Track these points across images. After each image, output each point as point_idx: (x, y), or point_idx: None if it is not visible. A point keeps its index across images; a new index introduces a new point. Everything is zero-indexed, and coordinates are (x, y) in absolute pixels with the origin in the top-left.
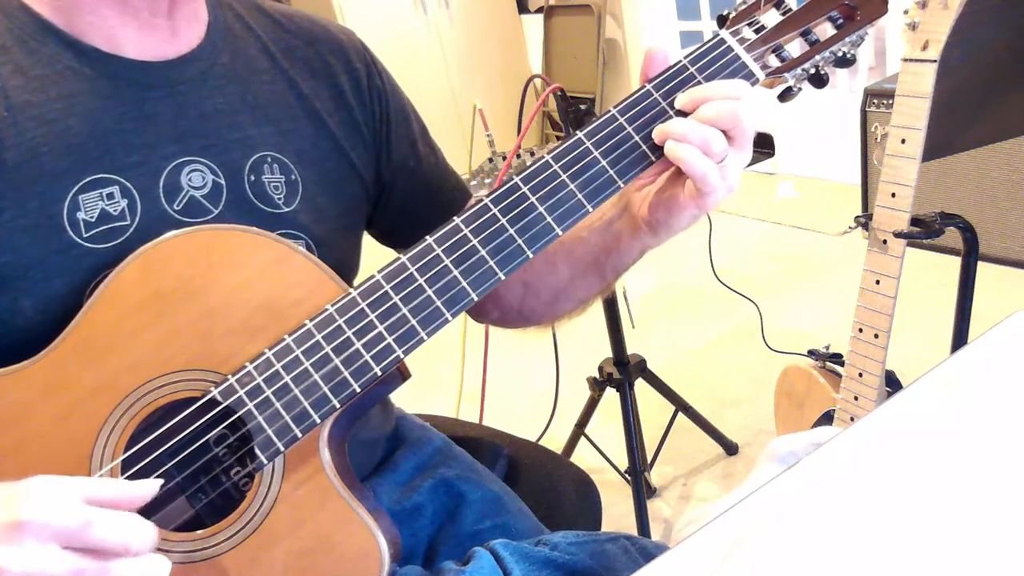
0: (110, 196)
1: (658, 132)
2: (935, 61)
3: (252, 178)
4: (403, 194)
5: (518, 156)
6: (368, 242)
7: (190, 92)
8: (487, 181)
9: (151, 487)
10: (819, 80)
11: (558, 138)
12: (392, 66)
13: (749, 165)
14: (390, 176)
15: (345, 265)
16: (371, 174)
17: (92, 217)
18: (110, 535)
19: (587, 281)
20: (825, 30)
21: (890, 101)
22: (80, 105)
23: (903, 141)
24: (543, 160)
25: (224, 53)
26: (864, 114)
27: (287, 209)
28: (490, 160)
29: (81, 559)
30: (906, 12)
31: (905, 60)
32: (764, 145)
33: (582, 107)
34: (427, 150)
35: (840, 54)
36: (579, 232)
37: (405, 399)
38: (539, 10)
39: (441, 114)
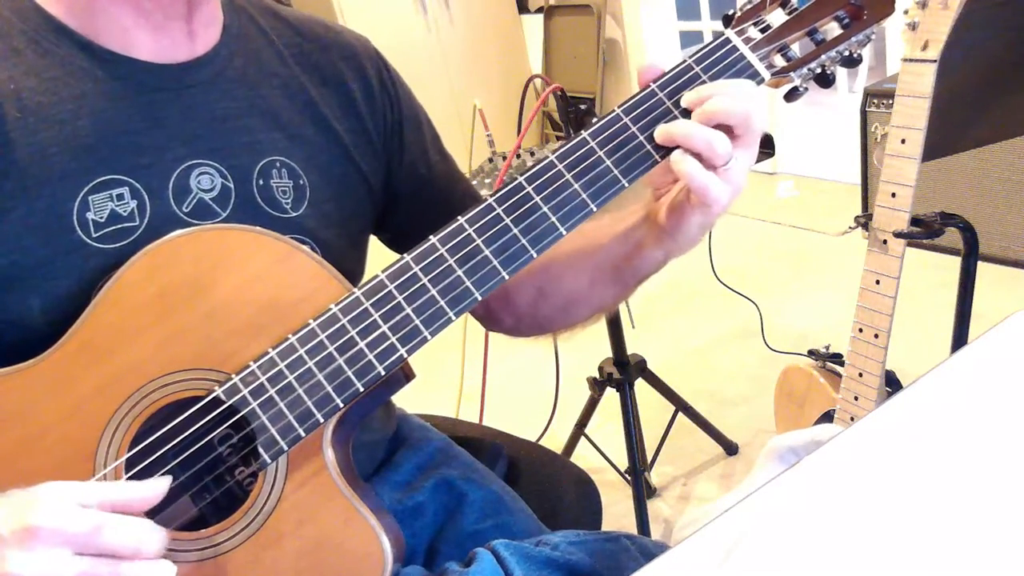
0: (120, 197)
1: (661, 132)
2: (935, 61)
3: (260, 182)
4: (414, 202)
5: (518, 156)
6: (373, 243)
7: (200, 95)
8: (487, 181)
9: (160, 487)
10: (825, 80)
11: (558, 138)
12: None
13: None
14: (401, 184)
15: (350, 270)
16: (379, 182)
17: (101, 217)
18: (121, 539)
19: (605, 289)
20: (831, 30)
21: (890, 101)
22: (91, 106)
23: (903, 141)
24: (547, 160)
25: (237, 57)
26: (864, 114)
27: (294, 214)
28: (490, 160)
29: (92, 563)
30: (906, 12)
31: (905, 60)
32: (764, 145)
33: (582, 107)
34: (438, 158)
35: (847, 53)
36: (599, 239)
37: (406, 399)
38: (539, 10)
39: (441, 114)
